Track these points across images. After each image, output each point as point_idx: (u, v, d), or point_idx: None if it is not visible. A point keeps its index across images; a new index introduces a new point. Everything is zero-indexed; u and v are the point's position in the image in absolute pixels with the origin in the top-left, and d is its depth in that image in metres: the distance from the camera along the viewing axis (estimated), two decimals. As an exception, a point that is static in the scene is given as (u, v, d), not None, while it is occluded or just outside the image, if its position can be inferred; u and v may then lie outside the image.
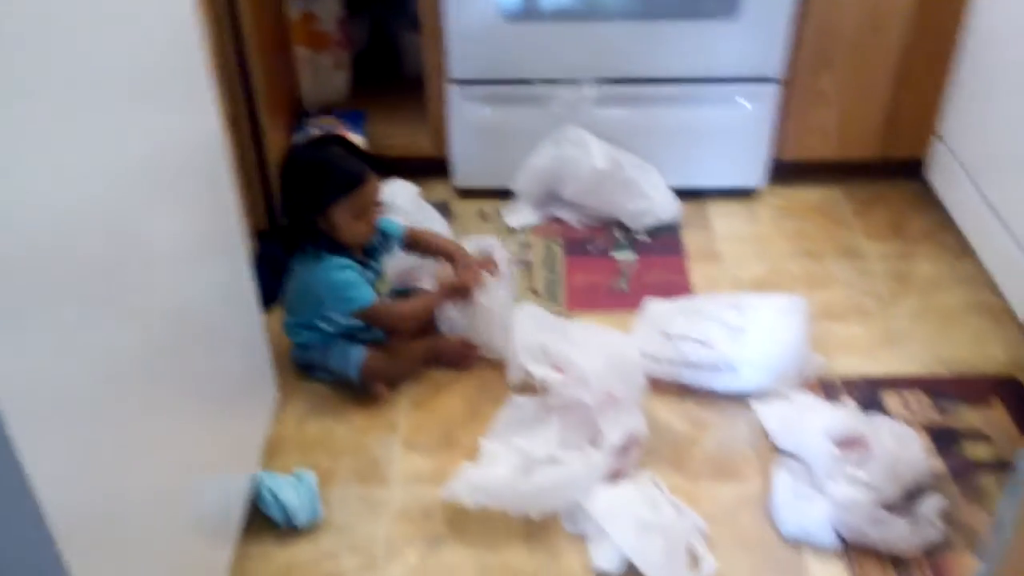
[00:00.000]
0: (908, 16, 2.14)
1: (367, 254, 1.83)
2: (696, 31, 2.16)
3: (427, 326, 1.88)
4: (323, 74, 2.48)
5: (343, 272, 1.74)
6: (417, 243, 1.93)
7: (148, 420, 1.13)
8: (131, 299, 1.10)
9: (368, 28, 2.70)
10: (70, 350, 0.95)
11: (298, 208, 1.73)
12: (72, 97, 0.97)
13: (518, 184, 2.30)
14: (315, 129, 2.31)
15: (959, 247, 2.17)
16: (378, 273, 1.86)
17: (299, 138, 2.28)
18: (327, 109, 2.44)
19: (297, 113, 2.42)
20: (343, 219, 1.72)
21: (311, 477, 1.55)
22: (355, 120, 2.37)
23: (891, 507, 1.49)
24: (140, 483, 1.10)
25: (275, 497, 1.51)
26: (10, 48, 0.85)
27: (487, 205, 2.35)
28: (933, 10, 2.12)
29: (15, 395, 0.83)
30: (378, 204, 1.79)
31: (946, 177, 2.20)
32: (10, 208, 0.84)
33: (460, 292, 1.83)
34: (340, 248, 1.75)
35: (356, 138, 2.27)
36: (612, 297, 2.07)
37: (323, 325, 1.79)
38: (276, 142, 2.12)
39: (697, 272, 2.13)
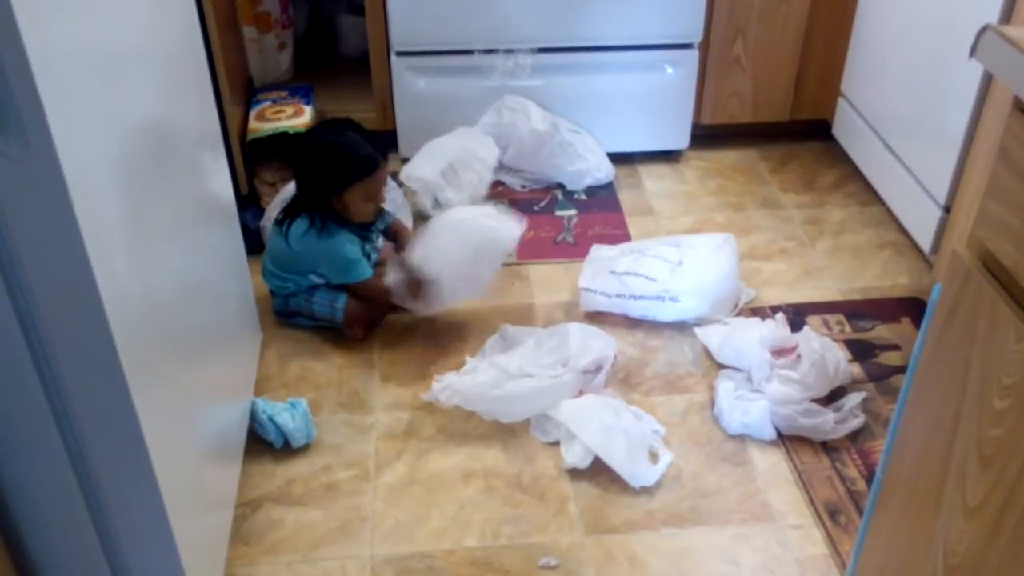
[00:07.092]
0: (811, -15, 2.36)
1: (366, 227, 1.94)
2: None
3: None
4: (269, 54, 2.59)
5: (350, 248, 1.86)
6: (396, 235, 2.04)
7: (162, 356, 1.20)
8: (154, 250, 1.19)
9: (307, 11, 2.82)
10: (113, 297, 1.00)
11: (314, 187, 1.84)
12: (106, 77, 1.08)
13: (463, 152, 2.45)
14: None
15: (866, 195, 2.41)
16: (377, 249, 1.97)
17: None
18: (275, 87, 2.55)
19: (248, 91, 2.53)
20: (355, 200, 1.85)
21: (303, 403, 1.67)
22: (305, 94, 2.48)
23: (820, 402, 1.70)
24: (159, 412, 1.17)
25: (272, 421, 1.62)
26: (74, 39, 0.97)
27: (434, 174, 2.48)
28: (834, -21, 2.35)
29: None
30: (386, 186, 1.92)
31: (851, 132, 2.42)
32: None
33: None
34: (346, 222, 1.87)
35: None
36: (560, 249, 2.24)
37: (315, 279, 1.91)
38: (235, 117, 2.23)
39: (635, 225, 2.32)
